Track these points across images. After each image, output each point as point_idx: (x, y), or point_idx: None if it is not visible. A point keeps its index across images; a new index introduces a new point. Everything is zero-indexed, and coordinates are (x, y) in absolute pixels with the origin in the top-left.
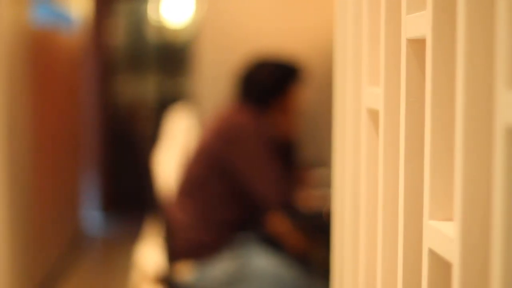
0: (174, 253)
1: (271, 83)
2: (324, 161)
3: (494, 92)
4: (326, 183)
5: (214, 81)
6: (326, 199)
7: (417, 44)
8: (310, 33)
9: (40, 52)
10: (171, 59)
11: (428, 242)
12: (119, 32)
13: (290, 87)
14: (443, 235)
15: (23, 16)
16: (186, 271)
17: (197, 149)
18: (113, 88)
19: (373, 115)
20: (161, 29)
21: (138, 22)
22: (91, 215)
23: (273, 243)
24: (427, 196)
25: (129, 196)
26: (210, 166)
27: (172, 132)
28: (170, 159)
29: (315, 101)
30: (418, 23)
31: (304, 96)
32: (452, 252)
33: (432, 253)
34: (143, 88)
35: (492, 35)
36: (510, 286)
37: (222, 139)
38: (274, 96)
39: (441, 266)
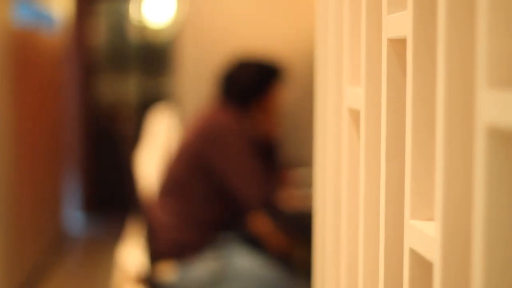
0: (156, 253)
1: (252, 83)
2: (306, 161)
3: (475, 92)
4: (308, 183)
5: (196, 81)
6: (308, 199)
7: (398, 44)
8: (291, 33)
9: (21, 52)
10: (152, 59)
11: (409, 241)
12: (100, 32)
13: (271, 87)
14: (424, 235)
15: (4, 16)
16: (168, 271)
17: (179, 149)
18: (95, 88)
19: (354, 115)
20: (142, 29)
21: (120, 22)
22: (73, 216)
23: (255, 243)
24: (408, 196)
25: (111, 196)
26: (191, 166)
27: (153, 132)
28: (152, 159)
29: (297, 101)
30: (399, 23)
31: (286, 96)
32: (433, 251)
33: (413, 252)
34: (124, 88)
35: (472, 35)
36: (491, 284)
37: (203, 138)
38: (255, 96)
39: (422, 265)
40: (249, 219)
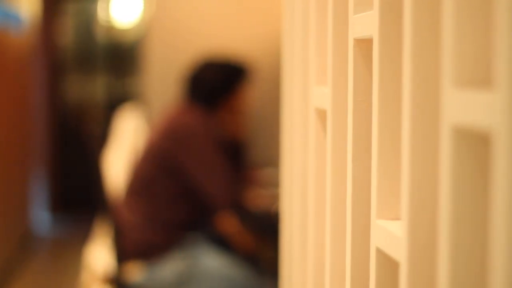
0: (123, 254)
1: (217, 83)
2: (273, 161)
3: (440, 92)
4: (275, 183)
5: (163, 81)
6: (275, 198)
7: (364, 44)
8: (258, 32)
9: None
10: (120, 59)
11: (376, 241)
12: (68, 32)
13: (237, 86)
14: (391, 234)
15: None
16: (135, 271)
17: (145, 149)
18: (62, 87)
19: (321, 114)
20: (110, 28)
21: (87, 22)
22: (40, 216)
23: (222, 243)
24: (375, 196)
25: (78, 197)
26: (157, 166)
27: (121, 132)
28: (119, 159)
29: (264, 101)
30: (365, 23)
31: (252, 96)
32: (399, 251)
33: (379, 252)
34: (92, 88)
35: (438, 35)
36: (456, 283)
37: (170, 138)
38: (222, 96)
39: (388, 265)
40: (216, 219)
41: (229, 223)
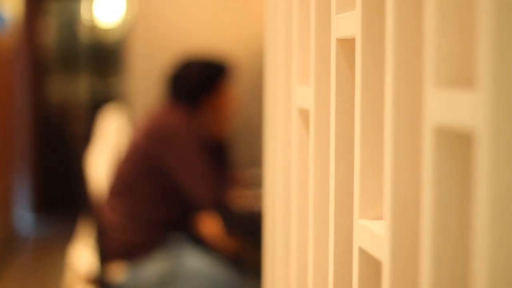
0: (106, 254)
1: (199, 82)
2: (257, 161)
3: (423, 91)
4: (258, 183)
5: (146, 81)
6: (258, 198)
7: (347, 44)
8: (241, 32)
9: None
10: (103, 58)
11: (358, 241)
12: (51, 32)
13: (219, 85)
14: (373, 234)
15: None
16: (118, 272)
17: (128, 149)
18: (45, 88)
19: (304, 114)
20: (93, 28)
21: (70, 22)
22: (23, 216)
23: (206, 243)
24: (357, 195)
25: (62, 197)
26: (140, 166)
27: (104, 132)
28: (102, 160)
29: (247, 101)
30: (348, 23)
31: (235, 95)
32: (382, 250)
33: (362, 251)
34: (75, 88)
35: (420, 35)
36: (439, 283)
37: (152, 138)
38: (204, 94)
39: (371, 264)
40: (200, 219)
41: (212, 223)
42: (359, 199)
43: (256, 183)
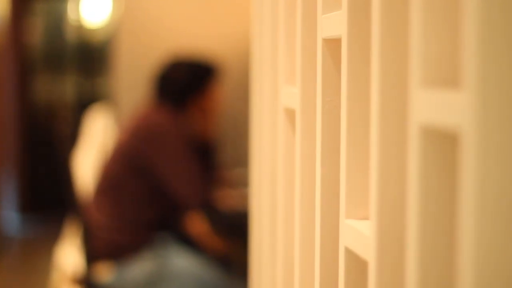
0: (93, 254)
1: (186, 82)
2: (243, 160)
3: (409, 91)
4: (245, 183)
5: (133, 81)
6: (245, 198)
7: (333, 44)
8: (227, 32)
9: None
10: (89, 58)
11: (345, 240)
12: (37, 32)
13: (206, 86)
14: (359, 234)
15: None
16: (105, 272)
17: (114, 149)
18: (31, 87)
19: (290, 114)
20: (79, 28)
21: (57, 21)
22: (10, 216)
23: (192, 243)
24: (344, 195)
25: (48, 197)
26: (127, 166)
27: (90, 132)
28: (89, 159)
29: (234, 101)
30: (334, 23)
31: (222, 95)
32: (368, 250)
33: (348, 251)
34: (61, 88)
35: (406, 35)
36: (425, 283)
37: (139, 138)
38: (190, 95)
39: (357, 264)
40: (186, 219)
41: (198, 223)
42: (345, 199)
43: (243, 183)
